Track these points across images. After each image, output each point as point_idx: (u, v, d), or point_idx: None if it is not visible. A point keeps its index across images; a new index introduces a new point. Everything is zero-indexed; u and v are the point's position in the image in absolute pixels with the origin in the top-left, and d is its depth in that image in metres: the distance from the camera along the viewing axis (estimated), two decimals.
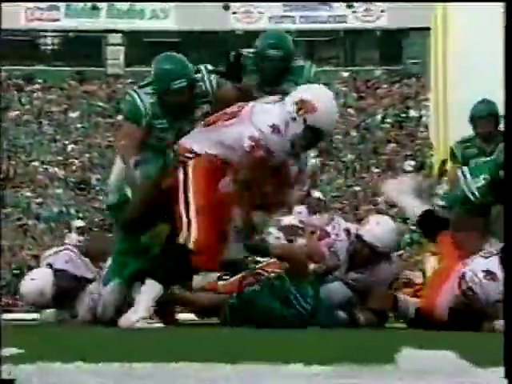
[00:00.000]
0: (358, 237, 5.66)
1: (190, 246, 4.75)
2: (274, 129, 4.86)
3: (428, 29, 34.77)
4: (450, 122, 29.96)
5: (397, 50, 40.74)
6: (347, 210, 29.89)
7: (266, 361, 1.93)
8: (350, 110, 36.49)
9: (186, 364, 1.84)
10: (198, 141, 5.01)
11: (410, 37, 39.72)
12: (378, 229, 5.69)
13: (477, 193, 5.28)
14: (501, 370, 1.77)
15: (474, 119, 6.82)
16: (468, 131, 6.75)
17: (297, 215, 6.15)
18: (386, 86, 38.23)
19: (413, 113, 36.67)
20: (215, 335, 4.13)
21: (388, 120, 36.25)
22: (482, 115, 6.75)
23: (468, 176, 5.37)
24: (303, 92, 5.02)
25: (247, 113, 5.00)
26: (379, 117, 37.45)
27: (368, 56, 41.37)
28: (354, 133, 35.64)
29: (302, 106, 4.90)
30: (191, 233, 4.75)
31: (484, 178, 5.30)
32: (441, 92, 32.83)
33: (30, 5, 35.08)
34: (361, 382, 1.62)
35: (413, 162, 32.32)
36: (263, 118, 4.97)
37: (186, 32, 39.18)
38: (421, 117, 35.74)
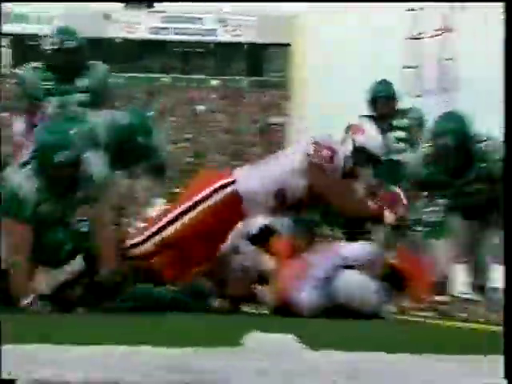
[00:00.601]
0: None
1: None
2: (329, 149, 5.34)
3: (289, 44, 45.38)
4: (308, 130, 41.04)
5: (261, 63, 45.48)
6: None
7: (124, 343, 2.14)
8: (219, 115, 42.54)
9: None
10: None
11: (273, 51, 45.40)
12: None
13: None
14: (331, 352, 2.03)
15: (372, 100, 7.21)
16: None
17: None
18: (251, 94, 44.06)
19: (275, 120, 42.77)
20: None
21: (252, 126, 42.22)
22: (381, 96, 7.17)
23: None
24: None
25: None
26: (244, 122, 42.28)
27: (236, 67, 45.62)
28: (221, 135, 41.72)
29: (351, 128, 5.60)
30: None
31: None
32: (300, 100, 44.70)
33: None
34: (208, 361, 1.74)
35: None
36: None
37: None
38: (281, 124, 42.31)
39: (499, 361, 1.65)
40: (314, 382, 1.41)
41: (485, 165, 5.61)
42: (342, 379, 1.46)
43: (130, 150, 5.57)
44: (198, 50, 45.46)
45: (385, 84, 7.35)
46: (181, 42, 44.86)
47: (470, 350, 2.23)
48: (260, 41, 44.50)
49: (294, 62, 44.33)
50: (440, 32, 44.34)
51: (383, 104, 7.15)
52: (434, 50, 44.58)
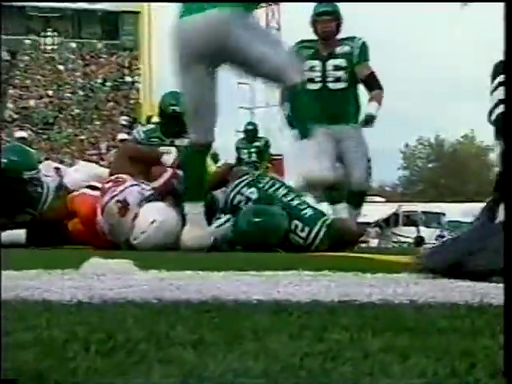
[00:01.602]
0: None
1: None
2: None
3: (138, 12, 45.12)
4: (154, 87, 41.49)
5: (115, 28, 45.19)
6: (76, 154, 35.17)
7: None
8: (78, 74, 42.27)
9: None
10: None
11: (125, 17, 45.10)
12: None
13: None
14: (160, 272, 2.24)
15: (313, 19, 6.33)
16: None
17: None
18: (106, 56, 43.83)
19: (127, 78, 42.40)
20: None
21: (108, 84, 41.73)
22: (320, 12, 6.27)
23: None
24: None
25: None
26: (100, 81, 42.08)
27: (92, 31, 45.16)
28: (80, 92, 40.83)
29: None
30: None
31: None
32: (147, 62, 44.75)
33: None
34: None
35: (127, 117, 38.36)
36: None
37: None
38: (133, 82, 42.29)
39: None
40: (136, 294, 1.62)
41: None
42: (156, 292, 1.70)
43: None
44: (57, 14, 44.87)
45: (328, 3, 6.44)
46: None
47: None
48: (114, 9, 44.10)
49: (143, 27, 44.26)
50: None
51: (326, 22, 6.32)
52: None
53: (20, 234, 5.67)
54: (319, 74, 6.30)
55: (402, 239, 28.12)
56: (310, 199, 5.82)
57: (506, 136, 1.21)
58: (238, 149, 13.06)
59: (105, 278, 1.99)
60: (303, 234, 5.45)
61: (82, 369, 0.82)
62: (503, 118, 1.36)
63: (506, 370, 0.78)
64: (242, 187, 5.67)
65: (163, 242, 5.22)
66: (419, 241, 25.35)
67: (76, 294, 1.54)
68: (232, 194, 5.68)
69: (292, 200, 5.59)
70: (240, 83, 45.89)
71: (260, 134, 13.89)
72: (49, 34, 45.00)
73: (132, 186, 5.47)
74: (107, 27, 45.21)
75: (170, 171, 5.79)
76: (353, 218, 6.22)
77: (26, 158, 5.94)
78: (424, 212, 31.13)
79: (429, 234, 27.01)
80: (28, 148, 6.97)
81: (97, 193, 5.65)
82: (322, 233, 5.46)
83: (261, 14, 45.35)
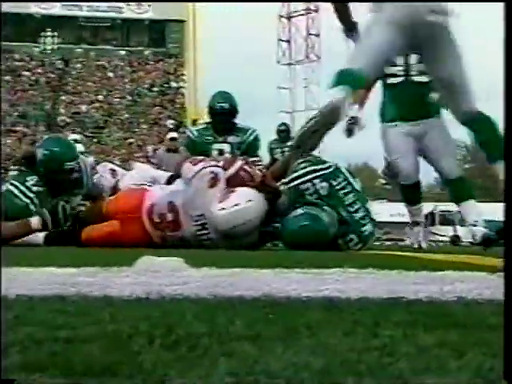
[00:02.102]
0: None
1: None
2: None
3: (183, 21, 45.45)
4: (198, 92, 41.68)
5: (162, 36, 45.58)
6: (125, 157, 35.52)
7: None
8: (126, 80, 42.62)
9: None
10: None
11: (171, 26, 45.49)
12: None
13: None
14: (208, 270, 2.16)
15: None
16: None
17: None
18: (152, 63, 44.07)
19: (173, 84, 42.65)
20: None
21: (154, 89, 42.06)
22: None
23: None
24: None
25: None
26: (147, 86, 42.41)
27: (140, 39, 45.64)
28: (128, 97, 41.26)
29: None
30: None
31: None
32: (192, 68, 45.04)
33: None
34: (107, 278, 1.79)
35: (174, 121, 38.09)
36: None
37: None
38: (179, 87, 42.58)
39: None
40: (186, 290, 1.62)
41: None
42: (209, 288, 1.70)
43: None
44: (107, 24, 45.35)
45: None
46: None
47: None
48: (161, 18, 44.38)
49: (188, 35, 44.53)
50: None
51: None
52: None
53: (38, 236, 5.56)
54: (401, 68, 6.12)
55: (439, 238, 27.87)
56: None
57: (506, 135, 1.18)
58: (271, 149, 13.03)
59: (159, 275, 1.98)
60: (355, 248, 5.38)
61: (148, 362, 0.83)
62: (503, 117, 1.32)
63: (506, 372, 0.76)
64: (316, 177, 5.46)
65: (246, 224, 5.09)
66: (455, 239, 25.12)
67: (135, 290, 1.54)
68: (303, 178, 5.45)
69: (356, 212, 5.42)
70: (280, 88, 46.01)
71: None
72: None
73: (223, 169, 5.35)
74: (154, 35, 45.70)
75: (239, 161, 5.61)
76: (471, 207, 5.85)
77: (66, 150, 5.95)
78: (460, 211, 30.66)
79: (464, 232, 26.71)
80: (68, 140, 7.15)
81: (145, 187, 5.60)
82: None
83: (301, 21, 45.45)
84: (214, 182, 5.20)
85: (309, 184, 5.44)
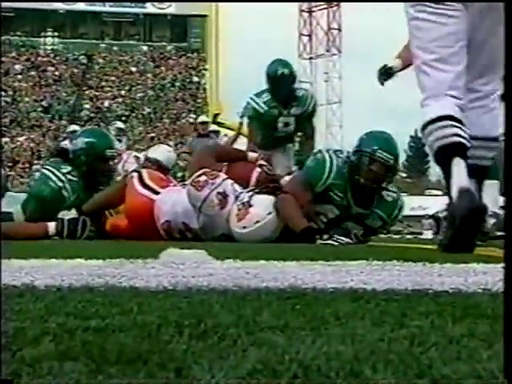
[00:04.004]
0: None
1: None
2: None
3: (205, 16, 45.59)
4: (220, 86, 41.85)
5: (184, 31, 45.75)
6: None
7: None
8: (148, 75, 42.87)
9: None
10: None
11: (193, 21, 45.64)
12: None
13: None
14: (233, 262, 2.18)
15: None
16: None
17: None
18: (175, 58, 44.27)
19: (195, 79, 42.85)
20: None
21: (176, 84, 42.26)
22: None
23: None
24: None
25: None
26: (169, 81, 42.60)
27: (161, 34, 45.85)
28: (151, 92, 41.26)
29: None
30: None
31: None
32: (213, 63, 45.17)
33: None
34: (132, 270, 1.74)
35: (194, 116, 39.06)
36: None
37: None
38: (200, 82, 42.79)
39: None
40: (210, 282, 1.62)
41: None
42: (235, 280, 1.71)
43: None
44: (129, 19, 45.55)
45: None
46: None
47: None
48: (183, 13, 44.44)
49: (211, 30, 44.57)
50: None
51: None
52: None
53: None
54: None
55: None
56: None
57: (507, 136, 1.19)
58: None
59: (184, 267, 1.99)
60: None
61: (178, 351, 0.83)
62: (504, 118, 1.30)
63: (507, 371, 0.74)
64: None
65: (271, 235, 4.98)
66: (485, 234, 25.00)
67: (161, 281, 1.55)
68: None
69: None
70: (301, 81, 45.93)
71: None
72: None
73: (226, 178, 5.21)
74: (176, 30, 45.94)
75: (256, 170, 5.57)
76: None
77: (105, 139, 6.18)
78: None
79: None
80: (105, 131, 7.42)
81: (153, 196, 5.48)
82: None
83: (322, 15, 45.35)
84: (224, 202, 5.10)
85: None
